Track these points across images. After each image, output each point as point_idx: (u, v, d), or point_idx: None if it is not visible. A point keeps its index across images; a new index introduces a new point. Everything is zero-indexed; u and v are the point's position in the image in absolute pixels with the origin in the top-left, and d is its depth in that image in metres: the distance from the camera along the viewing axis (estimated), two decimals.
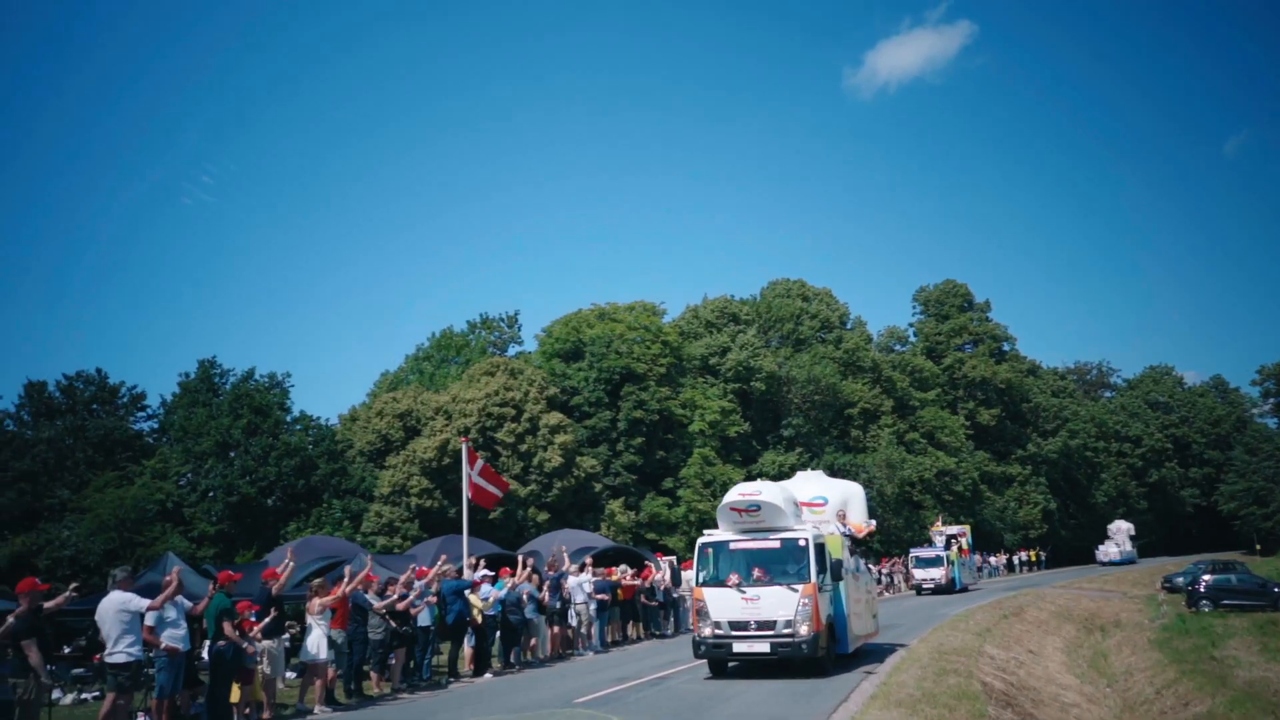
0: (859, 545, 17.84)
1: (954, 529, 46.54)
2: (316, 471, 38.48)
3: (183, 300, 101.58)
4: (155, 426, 43.73)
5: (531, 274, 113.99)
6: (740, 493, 15.08)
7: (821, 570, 14.30)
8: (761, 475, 51.31)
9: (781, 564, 14.25)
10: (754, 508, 14.68)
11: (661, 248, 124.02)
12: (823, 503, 17.62)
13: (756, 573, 14.27)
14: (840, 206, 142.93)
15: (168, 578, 10.39)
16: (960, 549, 43.45)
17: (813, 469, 23.08)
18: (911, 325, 76.09)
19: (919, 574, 41.83)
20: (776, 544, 14.45)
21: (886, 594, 43.60)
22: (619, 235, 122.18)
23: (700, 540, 15.21)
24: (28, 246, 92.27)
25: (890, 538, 55.71)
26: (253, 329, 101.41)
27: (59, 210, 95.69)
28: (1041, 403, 74.12)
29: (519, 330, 56.90)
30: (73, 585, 11.63)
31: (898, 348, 73.52)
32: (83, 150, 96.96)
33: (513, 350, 55.19)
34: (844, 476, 52.48)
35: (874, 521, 19.77)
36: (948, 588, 40.32)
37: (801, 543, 14.31)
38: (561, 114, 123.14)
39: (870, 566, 22.77)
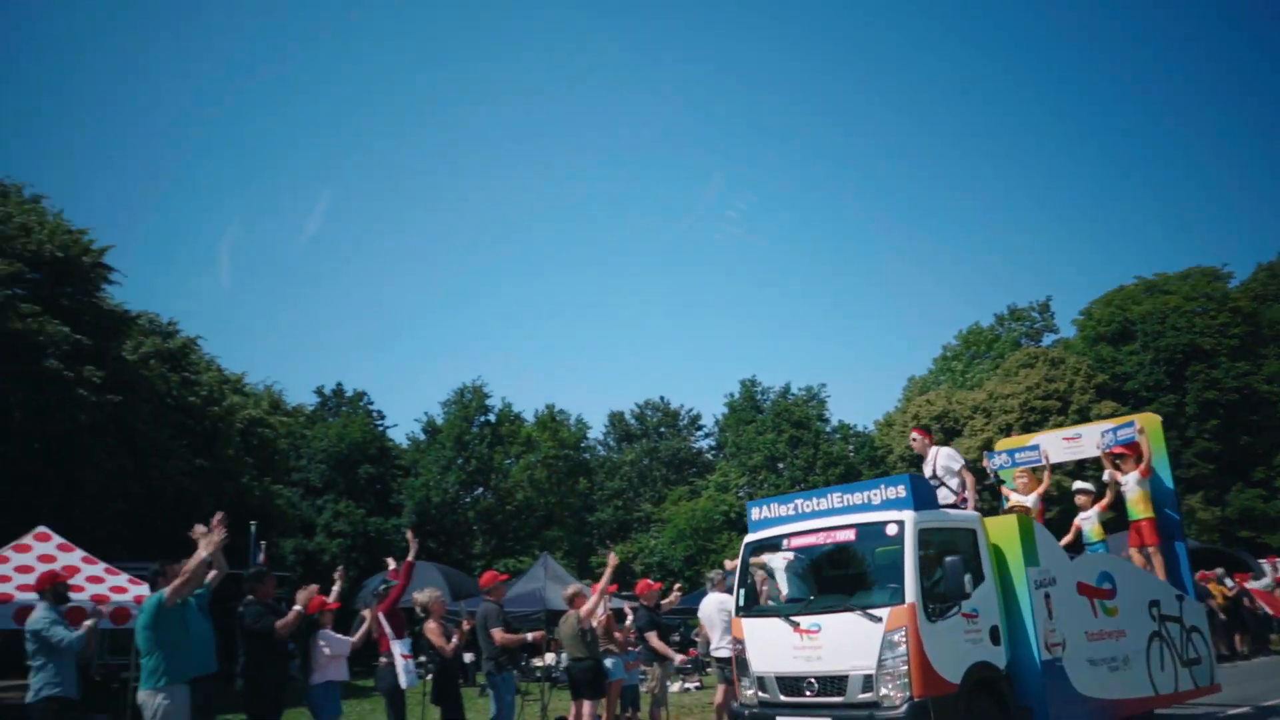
0: None
1: None
2: (860, 479, 39.59)
3: (725, 325, 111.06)
4: (712, 444, 48.38)
5: (1062, 254, 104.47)
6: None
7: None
8: None
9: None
10: None
11: (1221, 203, 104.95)
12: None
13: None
14: None
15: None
16: None
17: None
18: None
19: None
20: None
21: None
22: (1169, 194, 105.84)
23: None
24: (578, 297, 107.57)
25: None
26: (786, 347, 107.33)
27: (611, 259, 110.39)
28: None
29: (1053, 317, 53.01)
30: (676, 585, 13.21)
31: None
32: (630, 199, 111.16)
33: (1049, 339, 51.58)
34: None
35: None
36: None
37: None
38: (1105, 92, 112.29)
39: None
